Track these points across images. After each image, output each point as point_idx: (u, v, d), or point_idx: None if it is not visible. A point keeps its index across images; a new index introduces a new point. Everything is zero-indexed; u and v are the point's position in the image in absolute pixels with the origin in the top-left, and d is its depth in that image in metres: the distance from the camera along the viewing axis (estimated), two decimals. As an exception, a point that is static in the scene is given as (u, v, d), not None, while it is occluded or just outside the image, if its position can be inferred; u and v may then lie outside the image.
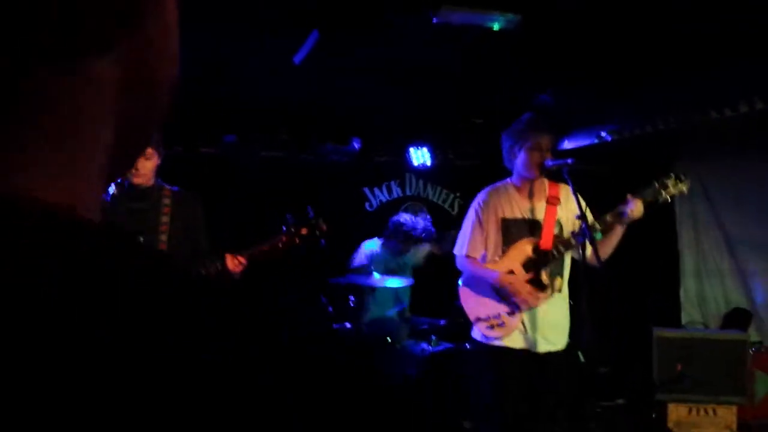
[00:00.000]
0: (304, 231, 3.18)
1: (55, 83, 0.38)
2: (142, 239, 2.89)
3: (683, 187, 3.17)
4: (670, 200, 3.20)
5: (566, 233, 3.19)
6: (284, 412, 0.35)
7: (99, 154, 0.41)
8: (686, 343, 4.93)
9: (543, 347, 3.16)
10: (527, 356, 3.15)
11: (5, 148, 0.37)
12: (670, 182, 3.15)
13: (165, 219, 2.99)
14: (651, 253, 6.00)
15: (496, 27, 3.47)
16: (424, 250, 5.11)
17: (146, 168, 2.92)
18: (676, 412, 4.84)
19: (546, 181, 3.26)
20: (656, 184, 3.16)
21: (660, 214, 5.79)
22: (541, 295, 3.16)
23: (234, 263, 3.04)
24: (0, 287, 0.32)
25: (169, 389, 0.31)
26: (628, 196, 3.11)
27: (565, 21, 3.58)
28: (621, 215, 3.07)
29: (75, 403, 0.30)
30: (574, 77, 4.54)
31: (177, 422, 0.31)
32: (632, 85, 4.67)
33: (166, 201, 3.01)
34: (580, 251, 3.04)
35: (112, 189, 2.96)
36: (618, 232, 3.15)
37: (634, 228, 3.23)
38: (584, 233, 2.98)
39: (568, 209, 3.22)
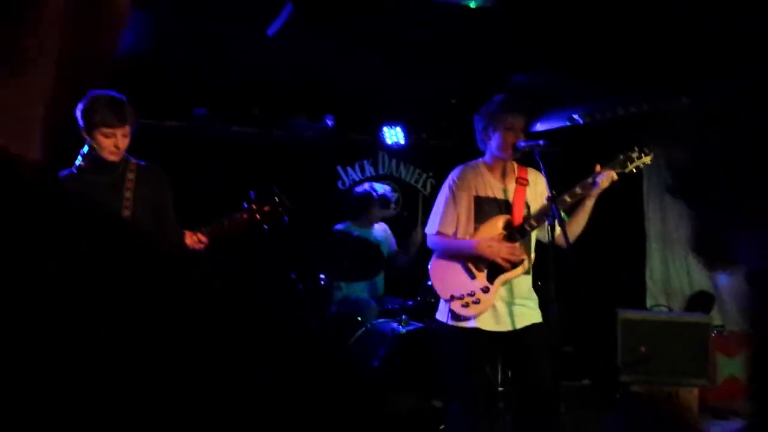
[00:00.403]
0: (266, 208, 3.11)
1: None
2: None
3: (646, 160, 3.25)
4: (635, 172, 3.27)
5: (534, 212, 3.23)
6: (284, 412, 0.34)
7: (37, 87, 0.40)
8: (650, 325, 5.01)
9: (517, 323, 3.18)
10: (498, 336, 3.17)
11: None
12: (634, 155, 3.24)
13: (128, 194, 2.88)
14: (617, 234, 6.08)
15: (472, 5, 3.44)
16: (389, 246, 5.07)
17: (124, 145, 2.82)
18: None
19: (515, 163, 3.30)
20: (620, 156, 3.25)
21: (628, 196, 5.86)
22: (517, 270, 3.18)
23: (193, 240, 2.95)
24: None
25: (169, 389, 0.31)
26: (597, 167, 3.17)
27: (542, 1, 3.57)
28: (592, 185, 3.13)
29: (75, 402, 0.29)
30: (549, 57, 4.54)
31: (177, 422, 0.30)
32: (605, 68, 4.69)
33: (131, 176, 2.91)
34: (549, 232, 3.07)
35: (78, 160, 2.87)
36: (587, 208, 3.19)
37: (601, 210, 3.27)
38: (554, 214, 3.00)
39: (535, 191, 3.27)
